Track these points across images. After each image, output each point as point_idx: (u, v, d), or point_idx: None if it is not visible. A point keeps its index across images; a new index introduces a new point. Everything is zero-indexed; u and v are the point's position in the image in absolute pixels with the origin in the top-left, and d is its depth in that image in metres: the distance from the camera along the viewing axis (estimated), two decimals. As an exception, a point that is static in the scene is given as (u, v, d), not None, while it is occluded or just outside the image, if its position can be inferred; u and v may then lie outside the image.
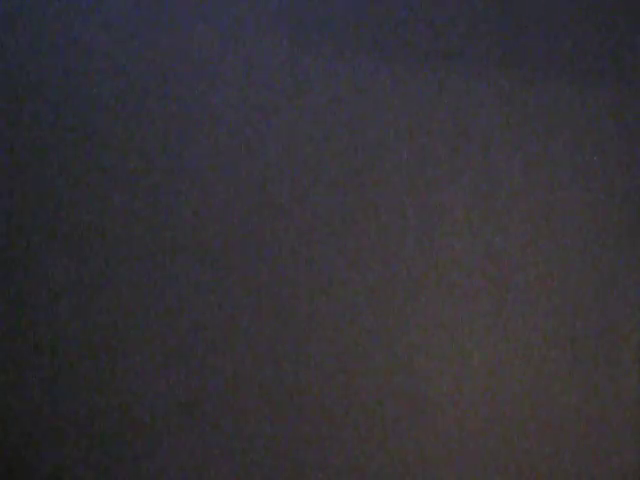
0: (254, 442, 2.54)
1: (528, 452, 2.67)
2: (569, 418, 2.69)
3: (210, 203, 2.54)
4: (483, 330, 2.66)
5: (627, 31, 2.78)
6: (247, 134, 2.57)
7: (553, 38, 2.73)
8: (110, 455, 2.47)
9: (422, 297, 2.63)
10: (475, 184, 2.68)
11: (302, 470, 2.55)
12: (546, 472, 2.67)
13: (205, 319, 2.52)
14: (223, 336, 2.53)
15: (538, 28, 2.73)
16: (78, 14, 2.50)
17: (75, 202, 2.49)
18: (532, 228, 2.70)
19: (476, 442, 2.64)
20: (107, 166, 2.50)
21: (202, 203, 2.53)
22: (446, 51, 2.67)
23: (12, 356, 2.45)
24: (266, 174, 2.57)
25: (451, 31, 2.67)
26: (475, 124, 2.68)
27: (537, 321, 2.69)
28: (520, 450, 2.66)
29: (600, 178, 2.75)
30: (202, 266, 2.53)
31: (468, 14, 2.68)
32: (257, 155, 2.57)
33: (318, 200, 2.59)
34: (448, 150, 2.67)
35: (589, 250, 2.73)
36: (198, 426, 2.51)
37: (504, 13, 2.71)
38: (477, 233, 2.67)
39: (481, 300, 2.66)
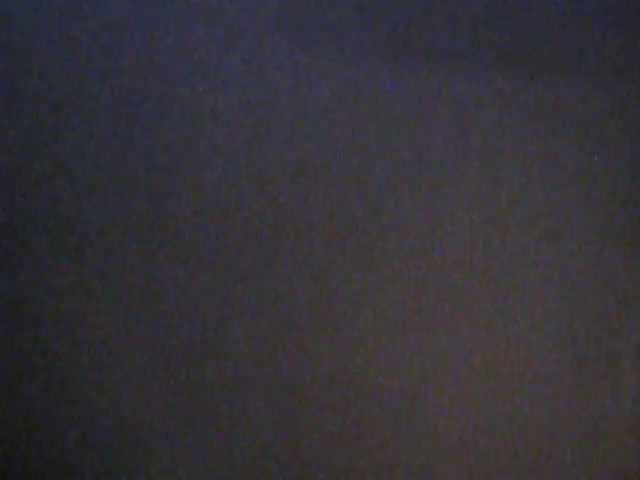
0: (254, 442, 2.54)
1: (528, 452, 2.66)
2: (569, 418, 2.68)
3: (210, 203, 2.54)
4: (483, 330, 2.66)
5: (628, 31, 2.78)
6: (247, 134, 2.57)
7: (554, 38, 2.73)
8: (110, 455, 2.48)
9: (422, 297, 2.63)
10: (476, 184, 2.68)
11: (302, 470, 2.55)
12: (546, 472, 2.67)
13: (205, 319, 2.52)
14: (223, 336, 2.53)
15: (539, 28, 2.72)
16: (78, 14, 2.50)
17: (75, 202, 2.49)
18: (532, 228, 2.70)
19: (476, 442, 2.64)
20: (107, 166, 2.50)
21: (202, 203, 2.53)
22: (446, 51, 2.67)
23: (12, 356, 2.45)
24: (266, 174, 2.57)
25: (451, 31, 2.67)
26: (475, 124, 2.68)
27: (537, 321, 2.69)
28: (520, 450, 2.66)
29: (601, 178, 2.75)
30: (202, 266, 2.53)
31: (468, 14, 2.68)
32: (257, 155, 2.57)
33: (318, 200, 2.59)
34: (448, 150, 2.66)
35: (590, 250, 2.73)
36: (198, 426, 2.51)
37: (505, 13, 2.70)
38: (477, 233, 2.67)
39: (481, 300, 2.66)
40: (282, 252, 2.57)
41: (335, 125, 2.61)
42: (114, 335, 2.49)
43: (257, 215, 2.56)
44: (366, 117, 2.63)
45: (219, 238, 2.54)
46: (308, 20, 2.60)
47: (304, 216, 2.58)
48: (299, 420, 2.55)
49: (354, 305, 2.59)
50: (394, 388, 2.60)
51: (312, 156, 2.60)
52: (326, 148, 2.60)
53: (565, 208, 2.72)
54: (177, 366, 2.51)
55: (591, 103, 2.75)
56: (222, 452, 2.52)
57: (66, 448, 2.46)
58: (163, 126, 2.52)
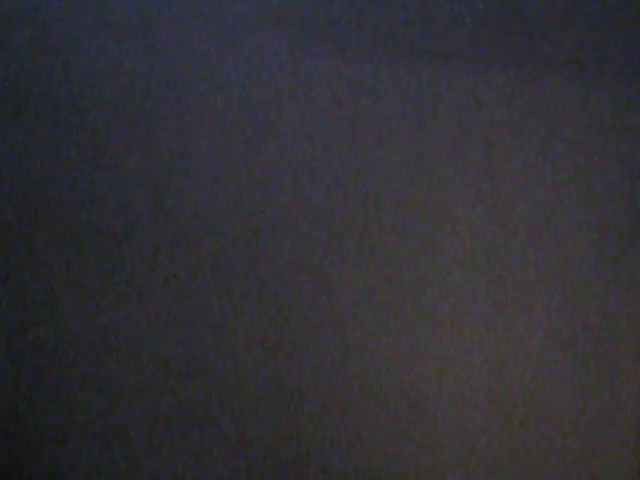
0: (254, 442, 2.54)
1: (528, 452, 2.67)
2: (569, 418, 2.69)
3: (210, 203, 2.54)
4: (483, 330, 2.66)
5: (628, 31, 2.78)
6: (247, 134, 2.57)
7: (554, 38, 2.73)
8: (110, 455, 2.48)
9: (422, 297, 2.63)
10: (475, 184, 2.68)
11: (302, 470, 2.55)
12: (546, 472, 2.67)
13: (205, 319, 2.52)
14: (223, 336, 2.53)
15: (539, 28, 2.72)
16: (78, 14, 2.50)
17: (75, 202, 2.49)
18: (532, 228, 2.70)
19: (476, 442, 2.64)
20: (107, 166, 2.51)
21: (202, 203, 2.54)
22: (446, 51, 2.67)
23: (12, 356, 2.45)
24: (266, 174, 2.57)
25: (451, 31, 2.67)
26: (475, 124, 2.68)
27: (537, 321, 2.69)
28: (520, 450, 2.66)
29: (601, 178, 2.75)
30: (202, 266, 2.53)
31: (468, 14, 2.68)
32: (257, 155, 2.57)
33: (318, 200, 2.60)
34: (448, 150, 2.67)
35: (590, 250, 2.73)
36: (198, 426, 2.51)
37: (505, 13, 2.71)
38: (477, 233, 2.67)
39: (481, 300, 2.66)
40: (282, 252, 2.57)
41: (335, 125, 2.61)
42: (114, 335, 2.49)
43: (257, 215, 2.56)
44: (366, 117, 2.63)
45: (219, 238, 2.54)
46: (308, 20, 2.61)
47: (304, 216, 2.59)
48: (299, 420, 2.56)
49: (354, 305, 2.60)
50: (394, 388, 2.61)
51: (312, 156, 2.60)
52: (326, 148, 2.61)
53: (565, 208, 2.73)
54: (177, 366, 2.51)
55: (591, 103, 2.75)
56: (222, 452, 2.53)
57: (66, 448, 2.47)
58: (163, 126, 2.53)
